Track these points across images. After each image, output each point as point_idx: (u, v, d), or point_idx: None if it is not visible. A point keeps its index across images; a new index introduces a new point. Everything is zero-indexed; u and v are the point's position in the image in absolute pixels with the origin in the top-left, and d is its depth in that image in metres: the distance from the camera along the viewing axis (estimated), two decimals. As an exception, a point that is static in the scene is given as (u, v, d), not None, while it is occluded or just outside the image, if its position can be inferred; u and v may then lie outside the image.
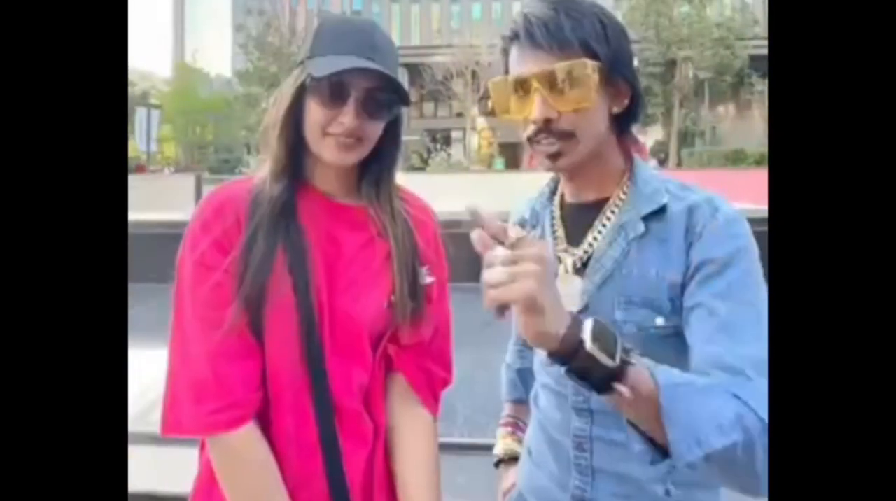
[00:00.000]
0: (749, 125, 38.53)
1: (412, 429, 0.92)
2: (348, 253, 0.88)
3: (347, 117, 0.82)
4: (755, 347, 0.67)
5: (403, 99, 0.87)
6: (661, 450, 0.63)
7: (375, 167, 0.92)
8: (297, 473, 0.83)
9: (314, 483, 0.84)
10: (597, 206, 0.87)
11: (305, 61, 0.85)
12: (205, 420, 0.78)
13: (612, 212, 0.86)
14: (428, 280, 0.92)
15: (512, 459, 1.08)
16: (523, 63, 0.82)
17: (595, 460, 0.85)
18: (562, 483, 0.88)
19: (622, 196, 0.86)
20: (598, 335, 0.59)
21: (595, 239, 0.85)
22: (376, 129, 0.87)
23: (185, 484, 0.90)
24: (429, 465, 0.92)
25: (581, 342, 0.59)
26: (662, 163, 34.30)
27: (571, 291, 0.84)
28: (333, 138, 0.84)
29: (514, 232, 0.58)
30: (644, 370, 0.61)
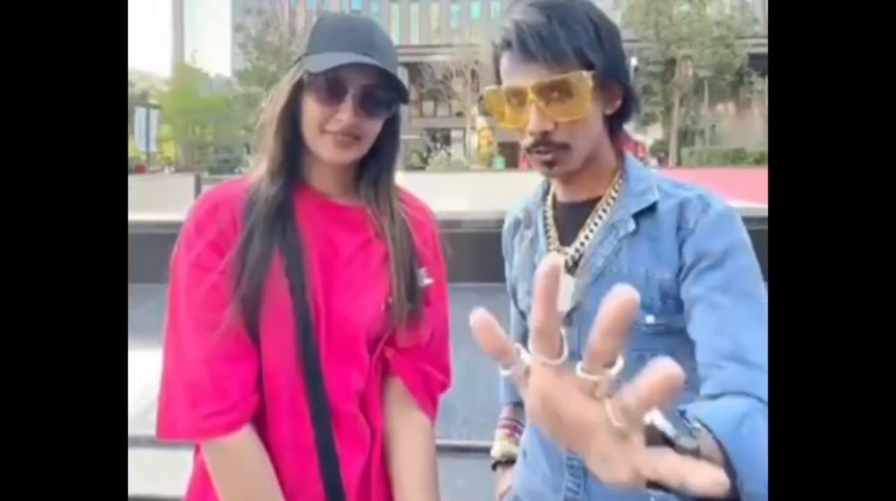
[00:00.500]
0: (749, 124, 38.57)
1: (409, 434, 0.91)
2: (345, 254, 0.87)
3: (345, 114, 0.81)
4: (764, 336, 0.66)
5: (402, 96, 0.86)
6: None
7: (374, 166, 0.91)
8: (293, 477, 0.82)
9: (310, 487, 0.83)
10: (589, 205, 0.87)
11: (303, 58, 0.84)
12: (201, 424, 0.77)
13: (604, 210, 0.85)
14: (426, 281, 0.91)
15: (509, 462, 1.07)
16: (516, 73, 0.80)
17: None
18: (554, 485, 0.88)
19: (614, 194, 0.86)
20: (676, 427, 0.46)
21: (587, 237, 0.85)
22: (374, 127, 0.86)
23: (184, 488, 0.89)
24: (426, 470, 0.90)
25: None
26: (662, 161, 34.31)
27: (563, 290, 0.84)
28: (331, 135, 0.82)
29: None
30: (703, 429, 0.51)
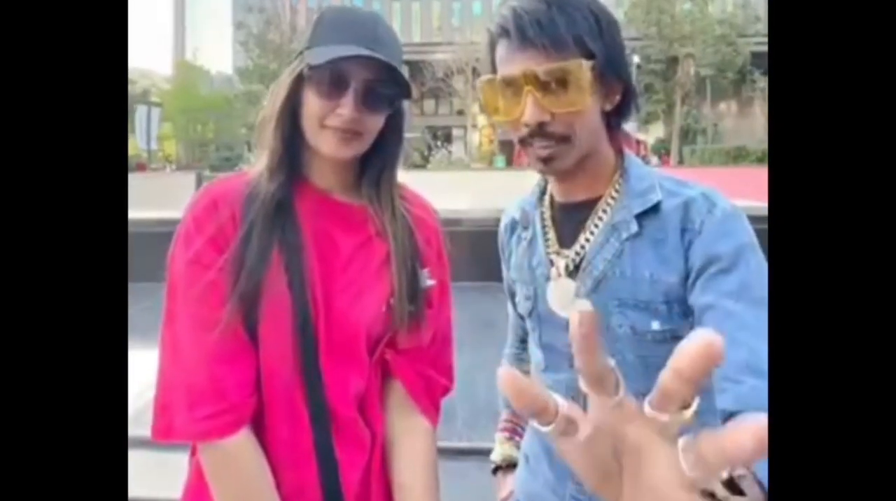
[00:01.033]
0: (751, 122, 38.52)
1: (410, 439, 0.89)
2: (346, 252, 0.85)
3: (346, 109, 0.79)
4: None
5: (405, 91, 0.84)
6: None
7: (377, 163, 0.88)
8: (291, 481, 0.81)
9: (309, 491, 0.81)
10: (588, 205, 0.83)
11: (304, 51, 0.81)
12: (198, 426, 0.76)
13: (605, 211, 0.82)
14: (428, 282, 0.88)
15: (510, 466, 1.05)
16: (512, 61, 0.76)
17: None
18: (557, 491, 0.87)
19: (614, 194, 0.82)
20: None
21: (587, 239, 0.82)
22: (376, 123, 0.83)
23: (180, 490, 0.88)
24: (427, 475, 0.88)
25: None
26: (662, 158, 34.29)
27: (564, 294, 0.82)
28: (331, 131, 0.80)
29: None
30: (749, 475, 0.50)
